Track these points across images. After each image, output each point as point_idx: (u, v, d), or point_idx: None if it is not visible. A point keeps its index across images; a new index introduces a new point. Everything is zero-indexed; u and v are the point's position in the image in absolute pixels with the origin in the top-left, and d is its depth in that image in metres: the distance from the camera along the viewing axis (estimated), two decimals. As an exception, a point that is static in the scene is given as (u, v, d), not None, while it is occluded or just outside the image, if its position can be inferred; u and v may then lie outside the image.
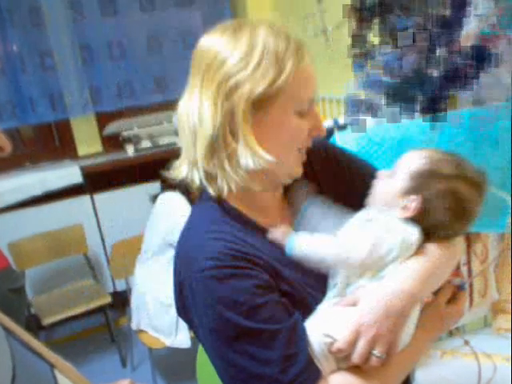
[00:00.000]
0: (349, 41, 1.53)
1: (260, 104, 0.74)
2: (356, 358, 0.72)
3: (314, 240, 0.78)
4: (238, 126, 0.74)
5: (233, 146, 0.75)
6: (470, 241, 1.55)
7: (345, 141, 1.35)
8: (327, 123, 1.93)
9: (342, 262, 0.76)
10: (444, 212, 0.78)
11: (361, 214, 0.81)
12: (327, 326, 0.73)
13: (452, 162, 0.80)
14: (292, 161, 0.82)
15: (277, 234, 0.81)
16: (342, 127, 1.92)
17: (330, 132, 1.70)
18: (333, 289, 0.79)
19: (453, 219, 0.78)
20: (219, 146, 0.75)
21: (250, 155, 0.74)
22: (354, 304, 0.74)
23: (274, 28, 0.77)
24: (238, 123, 0.74)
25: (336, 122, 1.94)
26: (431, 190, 0.78)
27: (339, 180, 0.93)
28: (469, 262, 1.55)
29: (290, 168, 0.82)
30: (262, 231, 0.82)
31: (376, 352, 0.71)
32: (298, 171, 0.84)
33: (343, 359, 0.73)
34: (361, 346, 0.71)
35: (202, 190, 0.85)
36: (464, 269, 1.55)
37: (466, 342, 1.44)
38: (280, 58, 0.74)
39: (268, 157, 0.75)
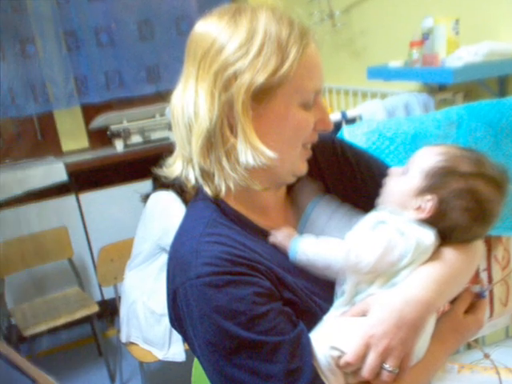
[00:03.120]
0: (358, 26, 1.53)
1: (261, 95, 0.74)
2: (366, 372, 0.71)
3: (320, 244, 0.78)
4: (237, 119, 0.74)
5: (231, 141, 0.75)
6: (490, 245, 1.54)
7: (354, 135, 1.34)
8: (334, 116, 1.93)
9: (351, 268, 0.75)
10: (462, 213, 0.77)
11: (371, 216, 0.80)
12: (334, 338, 0.73)
13: (471, 158, 0.80)
14: (296, 157, 0.81)
15: (279, 236, 0.81)
16: (351, 120, 1.92)
17: (338, 126, 1.70)
18: (340, 297, 0.78)
19: (471, 221, 0.78)
20: (216, 141, 0.75)
21: (250, 151, 0.74)
22: (364, 314, 0.74)
23: (277, 12, 0.76)
24: (237, 116, 0.74)
25: (344, 114, 1.94)
26: (448, 190, 0.78)
27: (347, 178, 0.93)
28: (489, 268, 1.55)
29: (293, 165, 0.82)
30: (263, 234, 0.82)
31: (388, 366, 0.71)
32: (303, 169, 0.84)
33: (352, 374, 0.73)
34: (371, 359, 0.71)
35: (198, 190, 0.85)
36: (484, 275, 1.54)
37: (487, 356, 1.44)
38: (283, 45, 0.74)
39: (270, 153, 0.74)
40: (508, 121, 1.38)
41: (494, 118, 1.37)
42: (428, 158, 0.82)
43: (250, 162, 0.74)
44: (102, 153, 3.30)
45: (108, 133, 3.29)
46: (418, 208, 0.79)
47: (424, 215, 0.79)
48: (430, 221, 0.78)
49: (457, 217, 0.78)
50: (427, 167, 0.80)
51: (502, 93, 1.91)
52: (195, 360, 1.42)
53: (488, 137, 1.36)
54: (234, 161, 0.76)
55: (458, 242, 0.79)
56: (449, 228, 0.78)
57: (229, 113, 0.74)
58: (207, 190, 0.81)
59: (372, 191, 0.87)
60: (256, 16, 0.75)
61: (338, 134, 1.37)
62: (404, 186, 0.82)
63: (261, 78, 0.73)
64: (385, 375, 0.71)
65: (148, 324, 2.28)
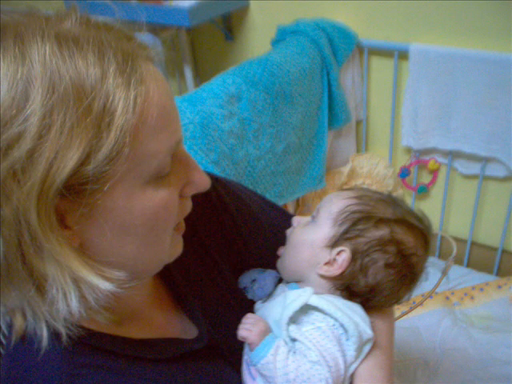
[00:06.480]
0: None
1: (73, 194, 0.47)
2: None
3: (298, 358, 0.62)
4: (40, 240, 0.46)
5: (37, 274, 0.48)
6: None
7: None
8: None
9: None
10: (384, 270, 0.67)
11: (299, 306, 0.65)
12: None
13: (387, 202, 0.70)
14: (165, 248, 0.59)
15: (255, 330, 0.64)
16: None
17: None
18: None
19: (397, 281, 0.68)
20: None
21: (74, 290, 0.49)
22: None
23: (69, 38, 0.46)
24: (38, 236, 0.46)
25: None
26: (364, 239, 0.67)
27: (228, 231, 0.77)
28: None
29: (162, 256, 0.60)
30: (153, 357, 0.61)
31: None
32: (177, 251, 0.62)
33: None
34: None
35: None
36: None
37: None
38: (93, 103, 0.45)
39: (107, 284, 0.50)
40: (281, 84, 1.34)
41: (268, 82, 1.30)
42: (337, 201, 0.70)
43: (74, 309, 0.49)
44: None
45: None
46: (328, 263, 0.67)
47: (335, 271, 0.67)
48: (345, 280, 0.67)
49: (378, 274, 0.67)
50: (336, 212, 0.68)
51: (228, 28, 1.96)
52: None
53: (267, 106, 1.30)
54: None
55: (379, 307, 0.70)
56: (370, 290, 0.68)
57: (22, 236, 0.46)
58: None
59: (259, 245, 0.78)
60: (27, 51, 0.44)
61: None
62: (310, 237, 0.69)
63: (62, 175, 0.44)
64: None
65: None
